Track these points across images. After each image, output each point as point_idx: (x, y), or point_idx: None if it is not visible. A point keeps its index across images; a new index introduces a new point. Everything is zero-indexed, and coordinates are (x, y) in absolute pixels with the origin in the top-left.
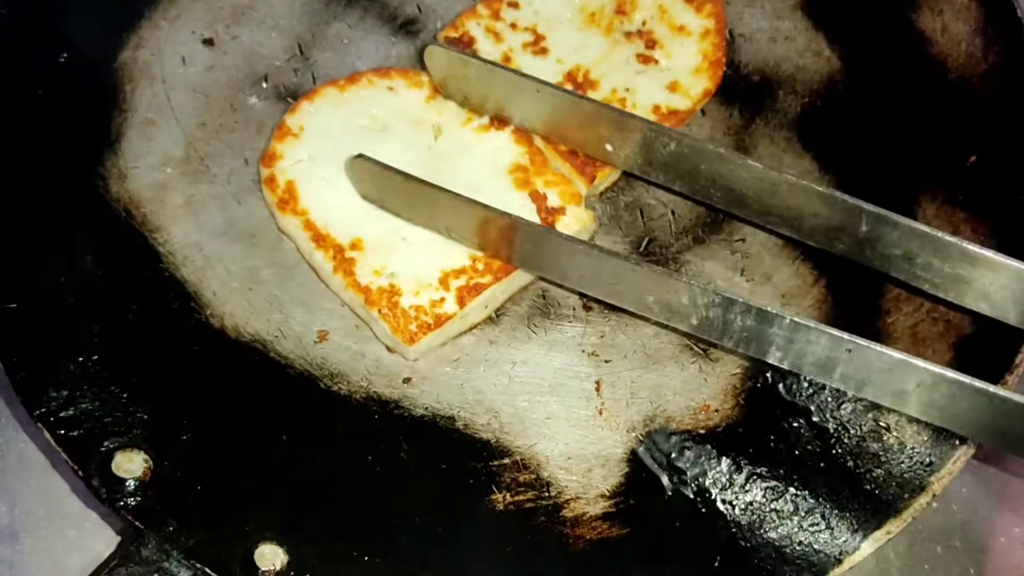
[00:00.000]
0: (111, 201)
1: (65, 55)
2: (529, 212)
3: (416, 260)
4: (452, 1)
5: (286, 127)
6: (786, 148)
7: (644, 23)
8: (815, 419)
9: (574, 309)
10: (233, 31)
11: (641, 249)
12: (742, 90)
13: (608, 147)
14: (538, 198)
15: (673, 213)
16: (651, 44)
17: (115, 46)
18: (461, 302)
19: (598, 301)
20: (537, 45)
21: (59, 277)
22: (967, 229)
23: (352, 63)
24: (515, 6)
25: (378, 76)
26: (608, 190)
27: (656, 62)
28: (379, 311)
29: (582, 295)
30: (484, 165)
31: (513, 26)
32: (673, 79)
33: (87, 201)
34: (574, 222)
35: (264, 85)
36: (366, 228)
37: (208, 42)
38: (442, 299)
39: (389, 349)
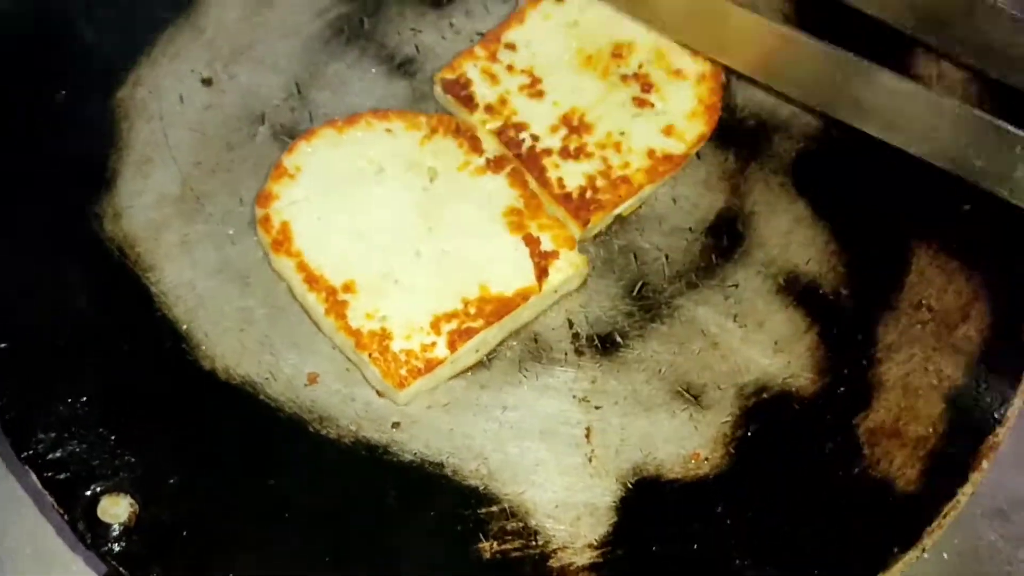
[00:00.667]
0: (105, 240)
1: (63, 92)
2: (522, 256)
3: (408, 304)
4: (450, 42)
5: (283, 167)
6: (780, 193)
7: (640, 67)
8: (804, 468)
9: (566, 353)
10: (231, 70)
11: (634, 293)
12: (738, 134)
13: None
14: (532, 242)
15: (667, 257)
16: (647, 88)
17: (113, 83)
18: (452, 346)
19: (590, 345)
20: (534, 88)
21: (51, 317)
22: (961, 278)
23: (350, 102)
24: (512, 48)
25: (376, 118)
26: (602, 233)
27: (652, 105)
28: (370, 355)
29: (574, 339)
30: (479, 208)
31: (510, 68)
32: (669, 123)
33: (81, 240)
34: (567, 266)
35: (261, 124)
36: (359, 271)
37: (207, 81)
38: (433, 343)
39: (379, 393)
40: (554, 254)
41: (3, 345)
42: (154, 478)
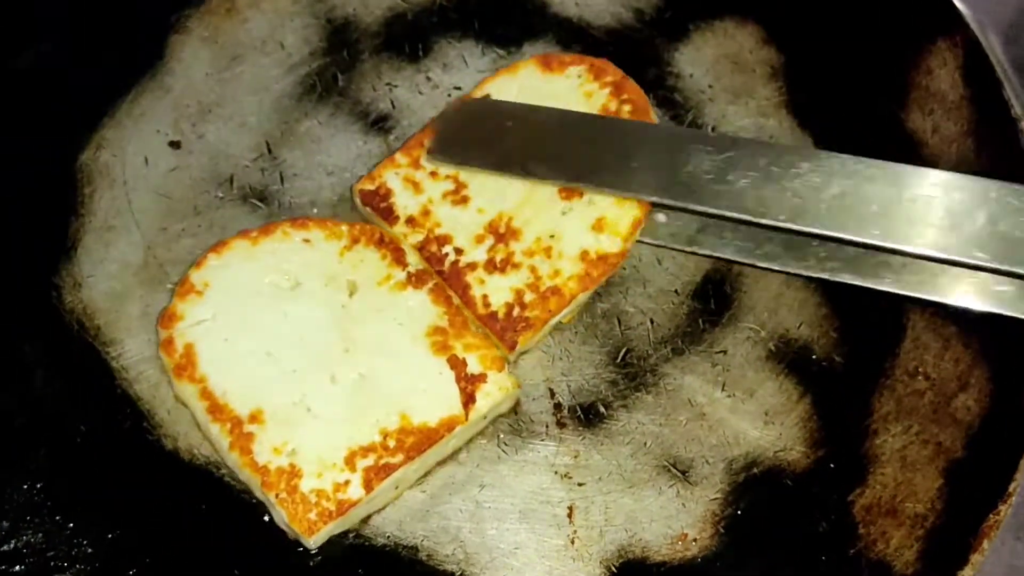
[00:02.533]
0: (64, 312)
1: (22, 156)
2: (447, 380)
3: (320, 436)
4: (427, 96)
5: (189, 284)
6: None
7: None
8: (798, 549)
9: (547, 425)
10: (199, 129)
11: (618, 360)
12: None
13: None
14: (457, 364)
15: (652, 322)
16: None
17: (75, 147)
18: (368, 486)
19: (572, 416)
20: (458, 194)
21: (5, 395)
22: (958, 344)
23: (322, 161)
24: None
25: (294, 227)
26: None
27: (580, 195)
28: (276, 495)
29: (556, 410)
30: (400, 327)
31: (433, 175)
32: (600, 214)
33: (39, 312)
34: (496, 390)
35: (230, 186)
36: (268, 398)
37: (174, 144)
38: (347, 482)
39: (287, 535)
40: (481, 377)
41: None
42: (112, 570)
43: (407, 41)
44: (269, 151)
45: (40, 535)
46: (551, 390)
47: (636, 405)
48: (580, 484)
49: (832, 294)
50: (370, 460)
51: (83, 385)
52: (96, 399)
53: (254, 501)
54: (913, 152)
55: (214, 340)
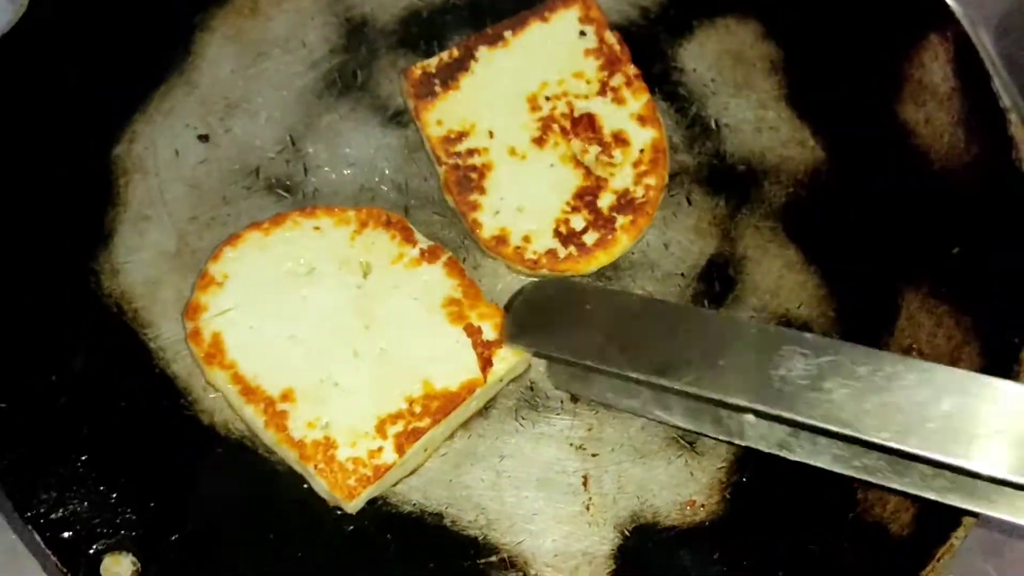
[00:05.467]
0: (103, 297)
1: (58, 150)
2: (464, 348)
3: (350, 408)
4: None
5: (209, 276)
6: (771, 238)
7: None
8: (799, 514)
9: (562, 401)
10: (226, 123)
11: None
12: (728, 180)
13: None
14: (473, 332)
15: None
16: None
17: (109, 140)
18: (400, 450)
19: None
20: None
21: (49, 376)
22: (950, 321)
23: (344, 154)
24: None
25: (303, 216)
26: (594, 277)
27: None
28: (315, 467)
29: None
30: (416, 301)
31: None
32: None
33: (78, 297)
34: (511, 354)
35: (256, 177)
36: (297, 378)
37: (202, 137)
38: (380, 448)
39: (328, 502)
40: (497, 343)
41: (2, 406)
42: (155, 536)
43: (422, 38)
44: (293, 144)
45: (86, 504)
46: None
47: None
48: (594, 455)
49: (830, 277)
50: (399, 426)
51: (122, 365)
52: (135, 378)
53: (289, 471)
54: (905, 142)
55: (239, 327)
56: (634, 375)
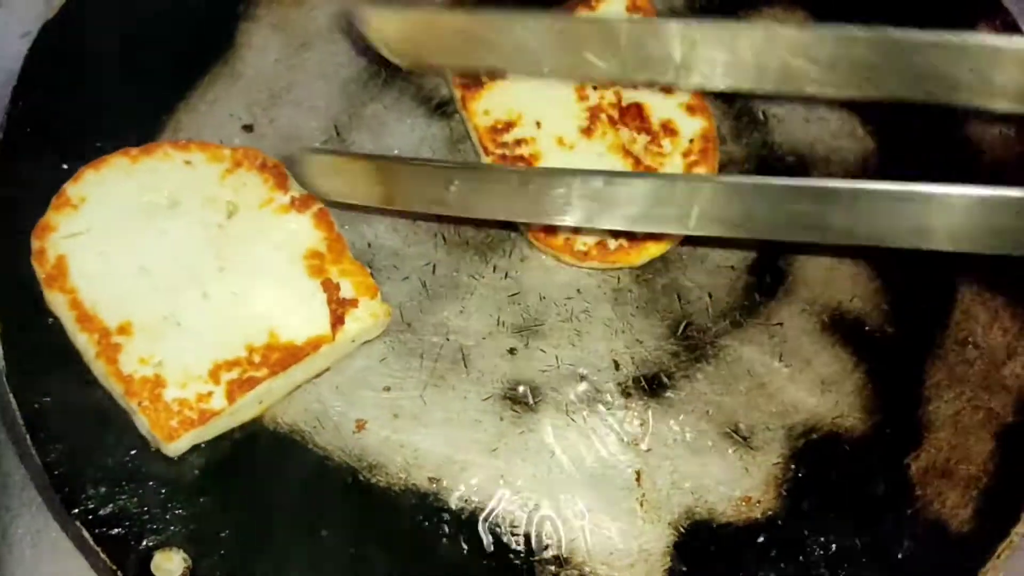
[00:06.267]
0: None
1: (100, 142)
2: (319, 303)
3: (187, 349)
4: None
5: (65, 196)
6: None
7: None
8: (857, 510)
9: (613, 396)
10: (271, 114)
11: (679, 333)
12: (778, 171)
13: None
14: (330, 287)
15: (710, 296)
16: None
17: (152, 131)
18: (231, 397)
19: (637, 387)
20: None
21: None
22: (1006, 315)
23: (388, 144)
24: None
25: (175, 148)
26: (644, 270)
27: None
28: (139, 403)
29: (620, 381)
30: (278, 249)
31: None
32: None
33: None
34: (366, 316)
35: None
36: (138, 311)
37: (247, 127)
38: (210, 393)
39: (149, 444)
40: (353, 302)
41: (48, 400)
42: (206, 532)
43: None
44: (337, 134)
45: (135, 499)
46: (616, 362)
47: (697, 375)
48: (647, 450)
49: (883, 269)
50: (234, 374)
51: None
52: None
53: (339, 465)
54: (956, 133)
55: (87, 253)
56: None
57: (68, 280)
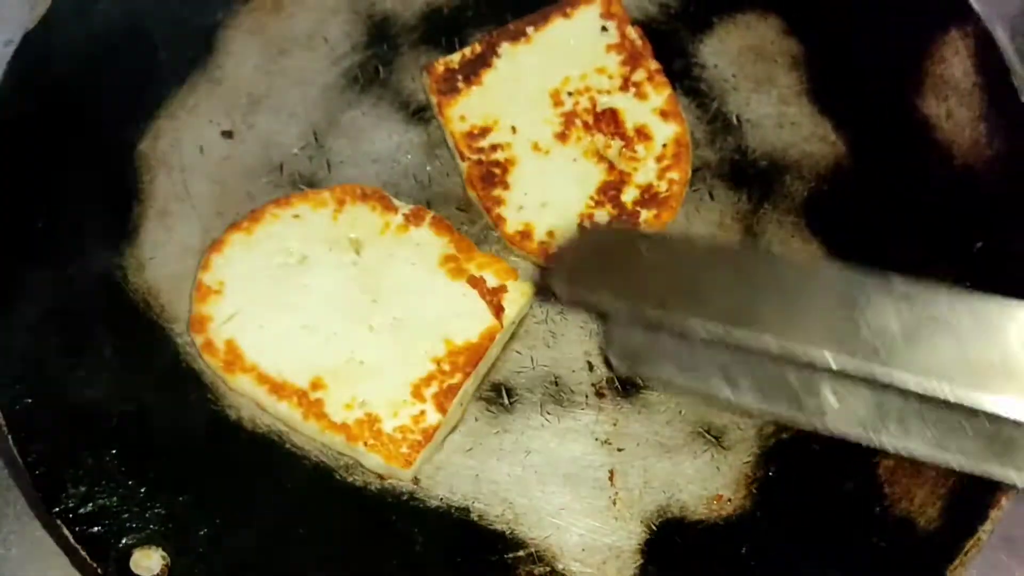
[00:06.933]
0: (129, 292)
1: (83, 146)
2: (472, 299)
3: (382, 381)
4: None
5: (204, 287)
6: (794, 233)
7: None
8: (827, 508)
9: (587, 396)
10: (250, 120)
11: None
12: (750, 175)
13: None
14: (477, 283)
15: None
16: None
17: (133, 136)
18: (441, 408)
19: (611, 387)
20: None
21: (77, 370)
22: None
23: (367, 149)
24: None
25: (279, 207)
26: None
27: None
28: (364, 444)
29: (594, 381)
30: (414, 265)
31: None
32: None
33: (105, 292)
34: (519, 296)
35: (280, 173)
36: (321, 364)
37: (226, 133)
38: (422, 412)
39: (382, 477)
40: (502, 288)
41: (29, 400)
42: (184, 530)
43: (444, 34)
44: (316, 140)
45: (115, 498)
46: (589, 363)
47: None
48: (620, 449)
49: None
50: (434, 387)
51: (149, 360)
52: (162, 372)
53: (317, 465)
54: (927, 136)
55: (250, 329)
56: (702, 327)
57: (246, 360)
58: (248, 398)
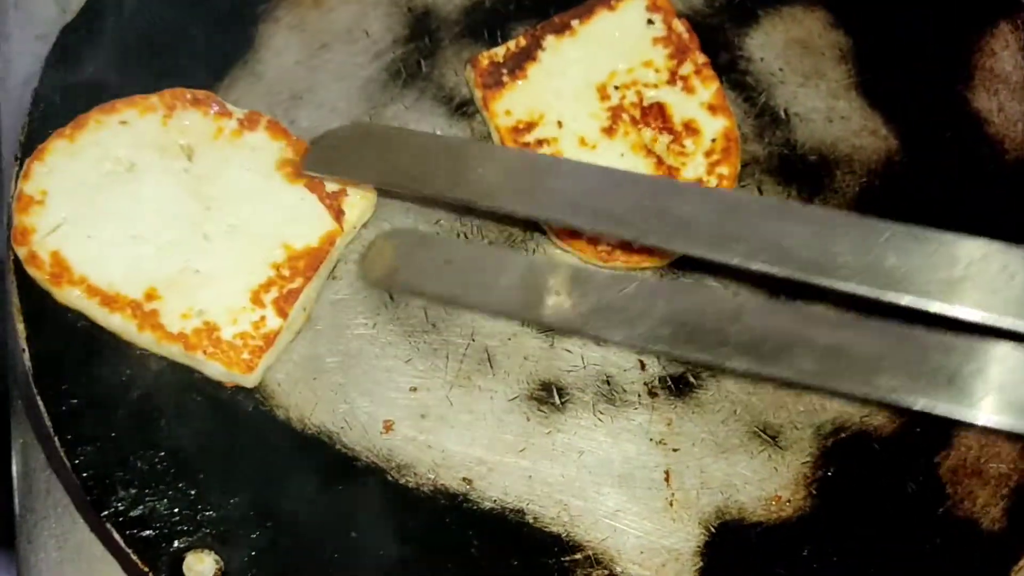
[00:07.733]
0: None
1: None
2: (311, 203)
3: (219, 289)
4: None
5: (26, 196)
6: None
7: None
8: (888, 509)
9: (639, 395)
10: (292, 115)
11: None
12: (799, 170)
13: None
14: (315, 187)
15: (736, 295)
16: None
17: None
18: (282, 313)
19: (664, 387)
20: None
21: (124, 371)
22: None
23: None
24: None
25: (104, 113)
26: (670, 269)
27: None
28: (203, 352)
29: (647, 380)
30: (250, 170)
31: None
32: None
33: None
34: (358, 198)
35: None
36: (154, 273)
37: None
38: (262, 318)
39: (225, 385)
40: (342, 192)
41: (75, 402)
42: (237, 533)
43: (486, 28)
44: None
45: (165, 501)
46: (641, 362)
47: (724, 374)
48: (675, 450)
49: None
50: (274, 292)
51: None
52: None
53: (368, 465)
54: (978, 131)
55: (77, 240)
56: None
57: (74, 272)
58: (79, 311)
